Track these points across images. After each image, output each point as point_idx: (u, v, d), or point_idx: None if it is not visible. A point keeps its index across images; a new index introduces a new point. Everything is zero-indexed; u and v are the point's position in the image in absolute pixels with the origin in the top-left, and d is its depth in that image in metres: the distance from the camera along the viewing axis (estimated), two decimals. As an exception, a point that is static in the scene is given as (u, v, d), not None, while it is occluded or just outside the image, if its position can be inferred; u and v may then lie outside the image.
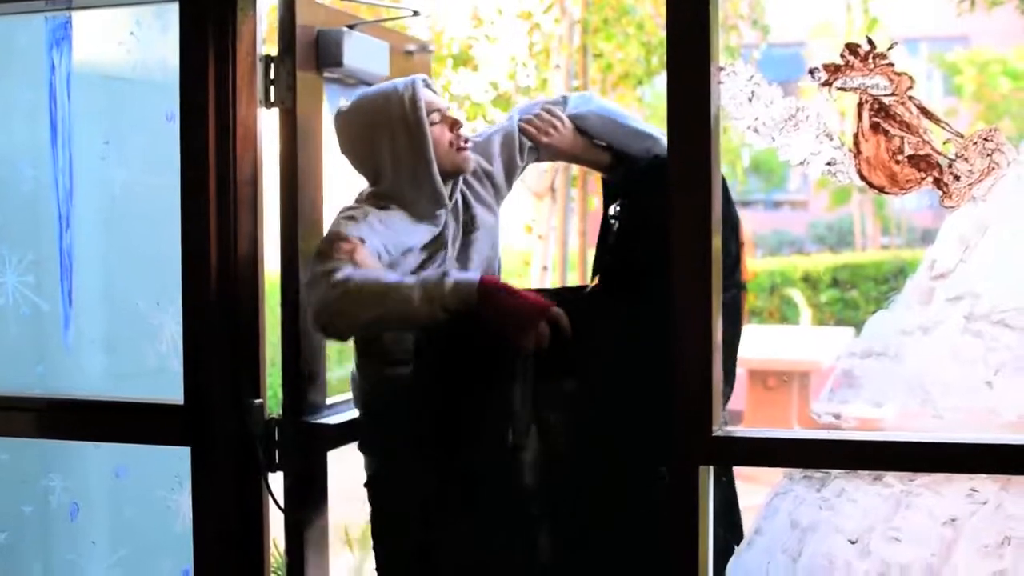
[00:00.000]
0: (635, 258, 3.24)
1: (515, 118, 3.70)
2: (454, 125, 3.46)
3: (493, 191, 3.64)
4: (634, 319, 3.17)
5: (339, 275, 3.12)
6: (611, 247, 3.35)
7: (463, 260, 3.52)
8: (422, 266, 3.42)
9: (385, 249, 3.33)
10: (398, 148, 3.38)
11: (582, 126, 3.66)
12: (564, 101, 3.73)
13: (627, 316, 3.21)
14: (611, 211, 3.39)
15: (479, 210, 3.59)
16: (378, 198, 3.43)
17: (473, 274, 3.20)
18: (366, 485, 3.56)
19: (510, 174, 3.69)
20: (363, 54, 3.75)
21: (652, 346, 2.92)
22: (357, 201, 3.48)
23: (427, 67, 4.29)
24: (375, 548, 3.58)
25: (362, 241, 3.25)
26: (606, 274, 3.34)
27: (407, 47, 4.17)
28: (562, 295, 3.34)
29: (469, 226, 3.56)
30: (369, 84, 3.88)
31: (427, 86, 3.48)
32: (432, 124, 3.41)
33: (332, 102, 3.73)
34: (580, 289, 3.44)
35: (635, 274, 3.22)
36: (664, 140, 3.58)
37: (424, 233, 3.44)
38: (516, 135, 3.66)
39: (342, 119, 3.48)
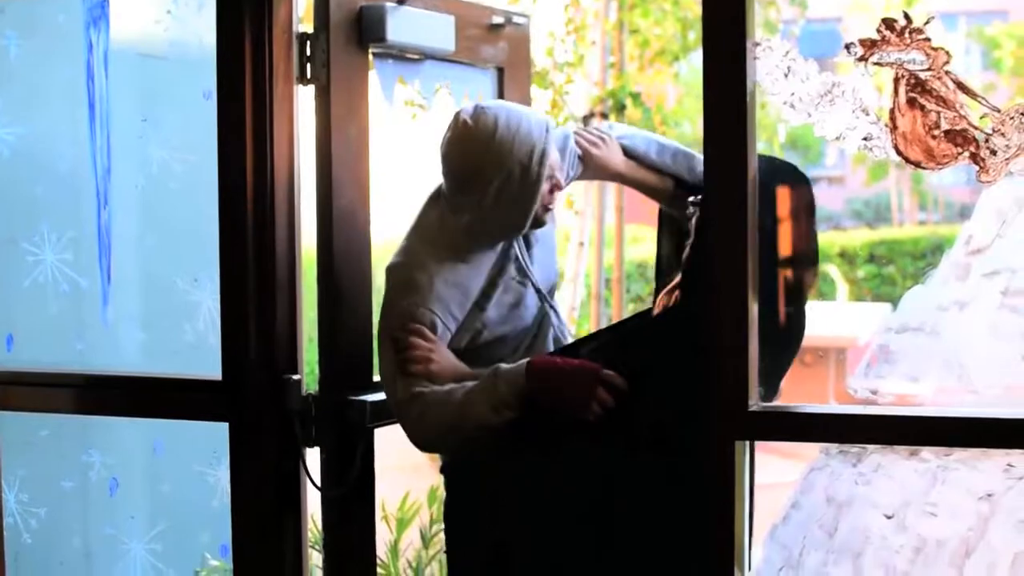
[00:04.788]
0: None
1: (570, 134, 3.62)
2: (554, 188, 3.37)
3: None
4: None
5: (415, 410, 3.24)
6: (697, 243, 3.27)
7: (523, 274, 3.48)
8: (484, 294, 3.40)
9: (457, 312, 3.35)
10: (507, 190, 3.27)
11: (628, 146, 3.63)
12: (610, 127, 3.68)
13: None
14: (692, 201, 3.31)
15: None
16: (452, 230, 3.36)
17: (519, 363, 3.20)
18: (442, 471, 3.59)
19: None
20: (416, 28, 3.68)
21: None
22: (414, 237, 3.41)
23: (523, 41, 4.21)
24: (447, 534, 3.58)
25: (433, 325, 3.29)
26: (690, 273, 3.28)
27: (492, 19, 4.07)
28: (626, 328, 3.35)
29: (529, 238, 3.51)
30: (434, 59, 3.87)
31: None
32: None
33: (385, 78, 3.69)
34: (644, 315, 3.43)
35: None
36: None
37: (486, 268, 3.41)
38: (572, 146, 3.58)
39: (463, 129, 3.31)
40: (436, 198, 3.45)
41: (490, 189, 3.27)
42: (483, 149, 3.27)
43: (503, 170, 3.26)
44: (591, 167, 3.63)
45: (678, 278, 3.32)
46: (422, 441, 3.32)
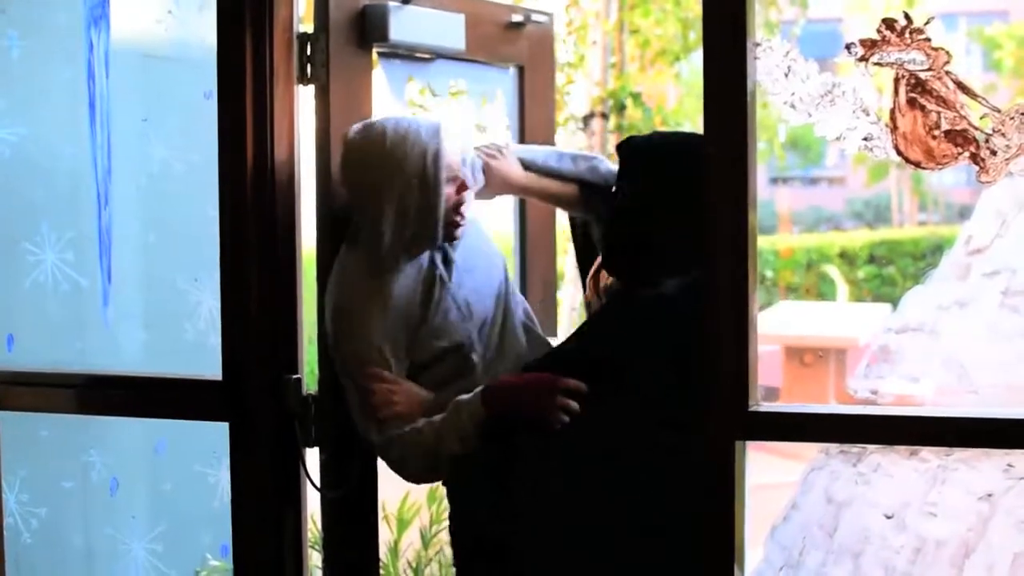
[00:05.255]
0: (641, 236, 3.21)
1: (470, 147, 3.59)
2: (461, 188, 3.35)
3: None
4: (648, 306, 3.16)
5: (395, 453, 3.29)
6: (614, 227, 3.29)
7: (459, 273, 3.44)
8: (423, 304, 3.38)
9: (403, 337, 3.35)
10: (407, 205, 3.27)
11: (525, 159, 3.61)
12: (506, 144, 3.67)
13: (640, 308, 3.19)
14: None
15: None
16: (368, 254, 3.35)
17: (476, 392, 3.21)
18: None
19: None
20: (422, 28, 3.65)
21: (678, 325, 2.94)
22: (343, 265, 3.41)
23: (546, 39, 4.18)
24: (451, 525, 3.59)
25: (387, 361, 3.31)
26: (609, 254, 3.30)
27: (511, 18, 4.04)
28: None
29: (449, 255, 3.44)
30: (445, 57, 3.86)
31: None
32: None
33: (393, 77, 3.69)
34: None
35: (640, 253, 3.20)
36: (604, 161, 3.60)
37: (415, 278, 3.39)
38: (474, 157, 3.55)
39: (354, 147, 3.33)
40: (349, 235, 3.42)
41: (393, 198, 3.26)
42: (378, 160, 3.27)
43: (402, 177, 3.24)
44: (492, 180, 3.60)
45: (599, 260, 3.34)
46: (413, 479, 3.40)
